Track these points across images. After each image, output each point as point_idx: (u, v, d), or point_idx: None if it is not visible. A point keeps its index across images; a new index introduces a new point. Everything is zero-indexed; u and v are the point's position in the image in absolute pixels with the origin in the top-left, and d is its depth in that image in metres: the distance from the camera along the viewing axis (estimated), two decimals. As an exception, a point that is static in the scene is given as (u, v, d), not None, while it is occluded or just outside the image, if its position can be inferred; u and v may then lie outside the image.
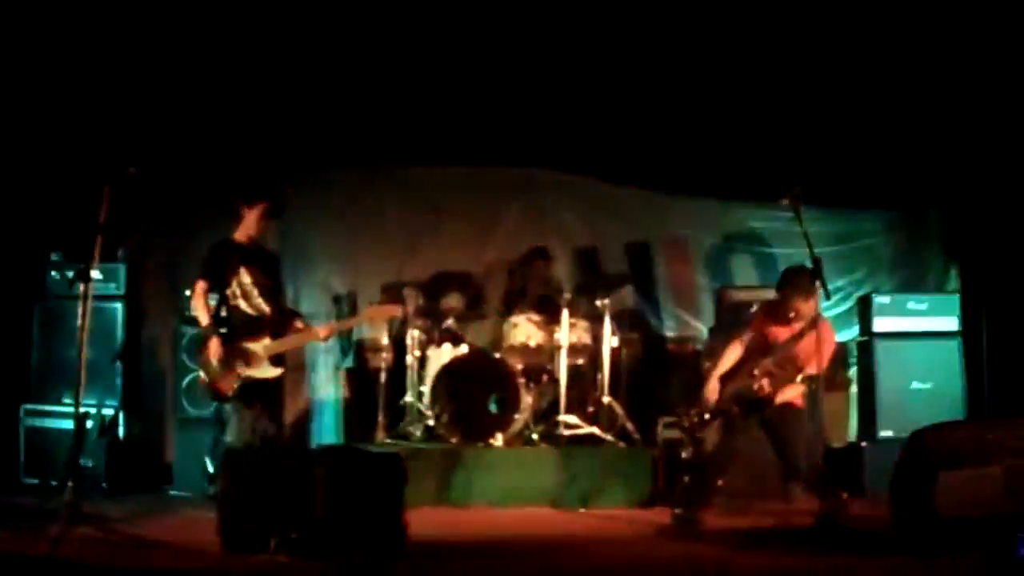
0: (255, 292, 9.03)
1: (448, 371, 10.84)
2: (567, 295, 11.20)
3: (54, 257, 11.28)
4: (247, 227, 9.14)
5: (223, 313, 9.07)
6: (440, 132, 12.10)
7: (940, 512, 7.21)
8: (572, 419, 10.88)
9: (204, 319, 8.93)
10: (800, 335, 8.78)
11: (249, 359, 8.86)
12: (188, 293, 9.73)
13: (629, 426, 11.00)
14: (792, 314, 8.85)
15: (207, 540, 7.62)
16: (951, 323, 11.12)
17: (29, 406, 11.23)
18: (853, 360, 11.51)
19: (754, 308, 10.07)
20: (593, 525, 9.49)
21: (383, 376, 11.23)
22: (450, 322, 11.48)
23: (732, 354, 9.21)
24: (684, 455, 10.01)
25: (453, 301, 12.01)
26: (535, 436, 10.75)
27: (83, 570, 6.92)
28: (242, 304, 9.01)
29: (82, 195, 8.98)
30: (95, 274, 8.41)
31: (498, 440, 10.59)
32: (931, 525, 7.23)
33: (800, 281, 8.75)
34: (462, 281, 12.20)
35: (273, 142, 11.96)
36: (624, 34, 11.40)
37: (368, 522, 7.40)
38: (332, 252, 12.68)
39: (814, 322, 8.65)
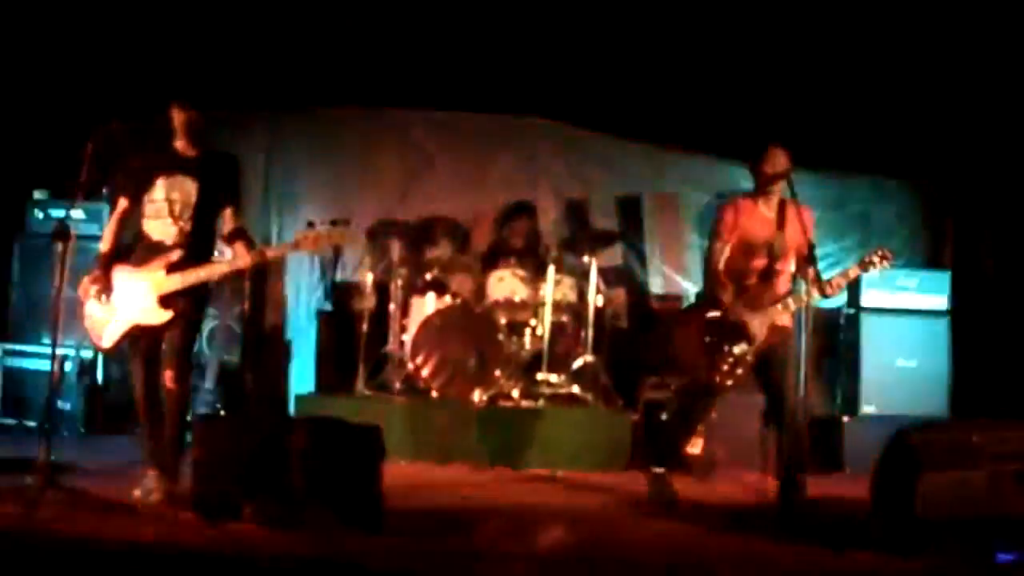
0: (166, 209, 7.80)
1: (431, 322, 10.73)
2: (553, 251, 11.11)
3: (37, 195, 11.13)
4: (180, 134, 7.96)
5: None
6: (435, 76, 11.97)
7: (921, 513, 7.14)
8: (553, 378, 10.81)
9: (102, 245, 7.94)
10: (781, 221, 8.37)
11: (129, 297, 7.77)
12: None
13: (611, 387, 10.93)
14: (766, 195, 8.42)
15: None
16: (940, 301, 11.06)
17: (7, 346, 11.14)
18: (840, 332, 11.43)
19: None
20: (568, 491, 9.41)
21: (364, 323, 11.11)
22: (435, 271, 11.34)
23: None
24: (664, 416, 9.96)
25: (439, 249, 11.81)
26: (515, 393, 10.67)
27: (53, 542, 6.81)
28: (148, 226, 7.87)
29: (69, 131, 8.78)
30: (78, 213, 8.16)
31: (478, 396, 10.50)
32: (911, 525, 7.17)
33: (775, 154, 8.35)
34: (450, 228, 11.99)
35: (264, 77, 11.80)
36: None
37: (345, 494, 7.32)
38: (318, 191, 12.50)
39: (784, 207, 8.39)
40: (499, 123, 12.60)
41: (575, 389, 10.80)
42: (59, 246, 7.62)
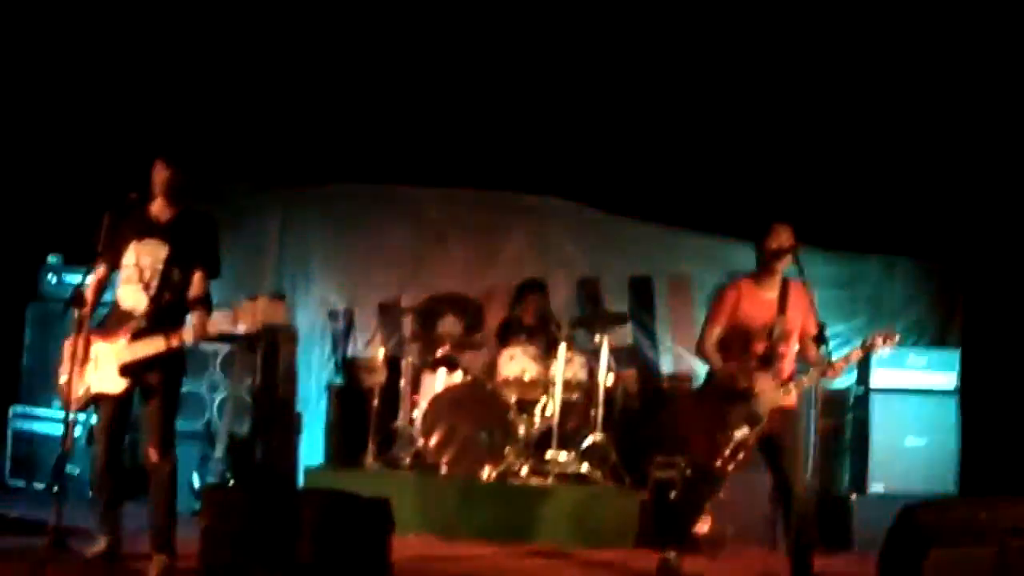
0: (135, 276, 7.71)
1: (441, 399, 10.76)
2: (565, 329, 11.15)
3: (51, 259, 11.22)
4: (156, 194, 7.82)
5: None
6: (448, 154, 12.08)
7: (929, 590, 7.14)
8: (563, 456, 10.78)
9: (83, 309, 7.69)
10: (783, 304, 8.35)
11: (96, 364, 7.65)
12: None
13: (620, 465, 10.92)
14: (770, 273, 8.38)
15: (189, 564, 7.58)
16: (950, 380, 11.04)
17: (18, 408, 11.18)
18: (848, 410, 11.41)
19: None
20: (577, 568, 9.40)
21: (375, 398, 11.12)
22: (446, 348, 11.38)
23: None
24: (673, 496, 9.95)
25: (450, 326, 11.83)
26: (525, 471, 10.64)
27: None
28: (121, 292, 7.80)
29: (82, 196, 8.84)
30: (90, 279, 8.13)
31: (487, 472, 10.50)
32: (919, 602, 7.17)
33: (779, 230, 8.33)
34: (461, 306, 11.99)
35: (278, 153, 11.92)
36: (637, 68, 11.36)
37: (353, 567, 7.33)
38: (332, 267, 12.61)
39: (786, 287, 8.39)
40: (512, 201, 12.68)
41: (584, 467, 10.75)
42: (75, 312, 7.61)
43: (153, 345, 7.57)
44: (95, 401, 7.74)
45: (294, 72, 11.45)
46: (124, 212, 7.71)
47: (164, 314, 7.67)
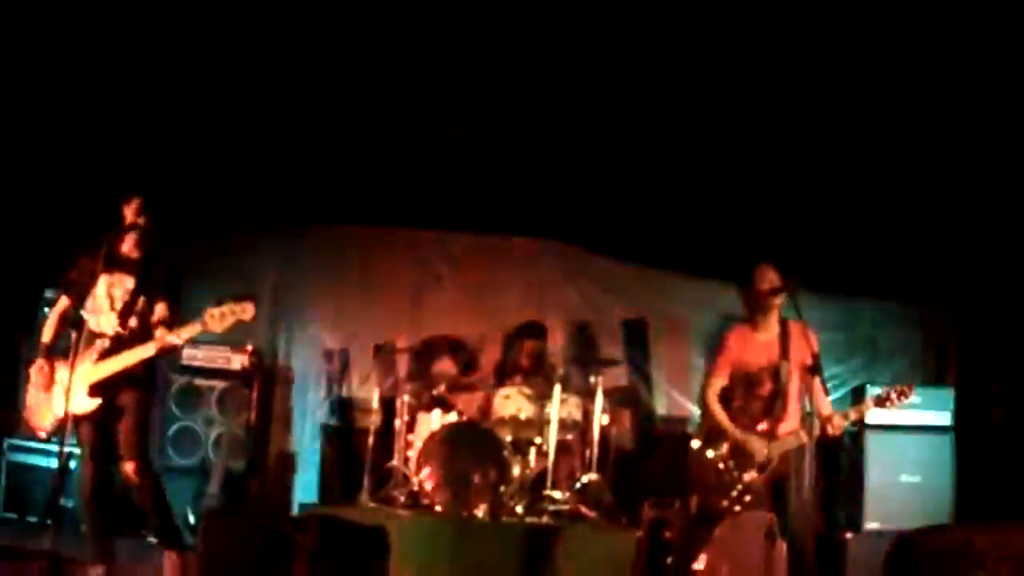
0: (106, 305, 8.10)
1: (437, 438, 10.75)
2: (560, 370, 11.18)
3: (48, 293, 11.23)
4: (127, 232, 8.23)
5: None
6: (445, 197, 12.10)
7: (926, 616, 7.16)
8: (558, 495, 10.81)
9: (44, 337, 8.22)
10: (785, 346, 8.46)
11: (65, 388, 7.73)
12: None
13: (615, 505, 10.91)
14: (764, 314, 8.53)
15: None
16: (944, 418, 11.08)
17: (13, 441, 11.13)
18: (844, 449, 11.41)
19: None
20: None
21: (371, 438, 11.14)
22: (441, 388, 11.41)
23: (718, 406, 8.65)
24: (667, 535, 9.94)
25: (446, 367, 11.89)
26: (520, 509, 10.63)
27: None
28: (90, 320, 8.09)
29: (80, 232, 8.87)
30: (54, 309, 8.30)
31: (482, 511, 10.48)
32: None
33: (765, 271, 8.51)
34: (456, 347, 12.07)
35: (275, 195, 11.95)
36: (633, 113, 11.40)
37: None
38: (327, 308, 12.63)
39: (786, 327, 8.47)
40: (508, 244, 12.76)
41: (579, 507, 10.77)
42: (73, 335, 7.76)
43: (119, 361, 7.94)
44: (64, 425, 7.79)
45: (292, 114, 11.47)
46: (95, 249, 7.98)
47: (130, 336, 8.04)
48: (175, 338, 8.01)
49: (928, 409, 11.06)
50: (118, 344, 8.01)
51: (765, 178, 11.73)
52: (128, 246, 8.26)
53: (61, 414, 7.85)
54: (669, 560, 9.33)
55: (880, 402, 8.39)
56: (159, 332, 8.03)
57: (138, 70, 10.76)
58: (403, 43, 10.37)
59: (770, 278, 8.38)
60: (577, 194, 12.11)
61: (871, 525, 10.80)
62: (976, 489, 10.98)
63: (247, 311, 8.19)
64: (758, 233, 11.67)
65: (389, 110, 11.46)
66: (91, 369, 7.92)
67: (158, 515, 8.17)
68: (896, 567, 7.44)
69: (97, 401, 7.93)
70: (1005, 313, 11.47)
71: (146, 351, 7.96)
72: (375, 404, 11.32)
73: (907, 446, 11.00)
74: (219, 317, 7.99)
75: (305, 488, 11.82)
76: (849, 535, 10.69)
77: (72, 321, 7.98)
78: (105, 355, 7.98)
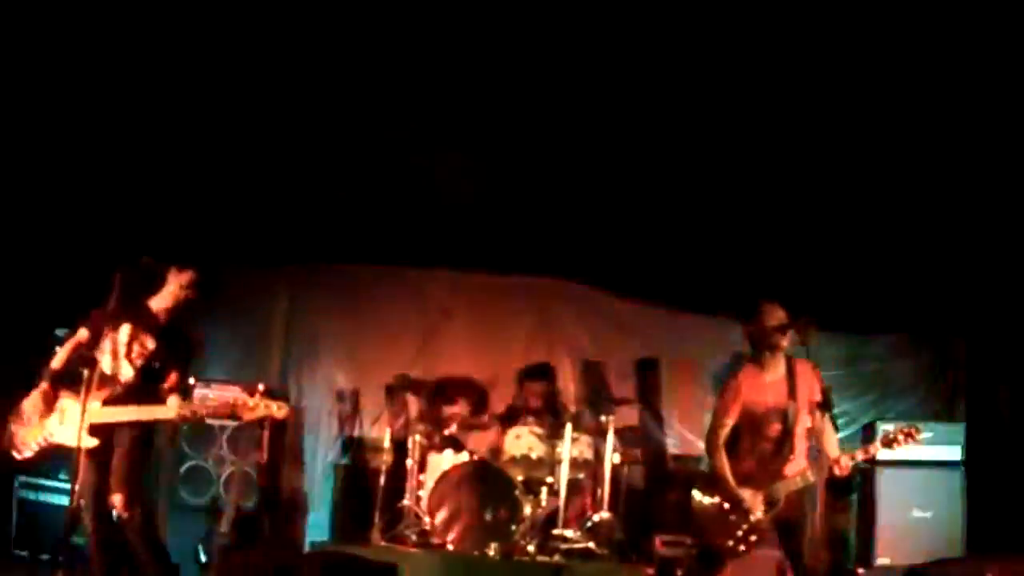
0: (123, 352, 8.30)
1: (448, 477, 10.78)
2: (571, 409, 11.19)
3: (59, 332, 11.26)
4: (164, 295, 8.47)
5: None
6: (455, 236, 12.14)
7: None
8: (569, 533, 10.82)
9: (54, 363, 8.38)
10: (792, 386, 8.44)
11: (62, 416, 8.15)
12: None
13: (626, 543, 10.91)
14: (772, 353, 8.49)
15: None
16: (955, 452, 11.08)
17: (24, 478, 11.11)
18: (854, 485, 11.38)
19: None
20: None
21: (382, 477, 11.16)
22: (452, 428, 11.44)
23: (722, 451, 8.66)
24: (679, 573, 9.94)
25: (457, 407, 11.94)
26: (531, 548, 10.63)
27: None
28: (104, 360, 8.27)
29: (91, 270, 8.94)
30: (71, 337, 8.36)
31: (494, 550, 10.47)
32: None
33: (773, 309, 8.51)
34: (467, 387, 12.11)
35: (287, 235, 12.01)
36: (640, 152, 11.43)
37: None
38: (338, 347, 12.64)
39: (792, 367, 8.46)
40: (518, 283, 12.78)
41: (591, 545, 10.76)
42: (85, 372, 7.81)
43: (125, 413, 8.12)
44: (50, 450, 8.18)
45: (301, 153, 11.53)
46: (132, 283, 8.18)
47: (139, 390, 8.24)
48: (200, 410, 8.37)
49: (939, 444, 11.05)
50: (126, 393, 8.19)
51: (774, 218, 11.75)
52: (158, 304, 8.48)
53: (49, 441, 8.13)
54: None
55: (888, 443, 8.36)
56: (173, 400, 8.26)
57: (154, 109, 10.83)
58: (409, 76, 10.43)
59: (778, 315, 8.38)
60: (587, 233, 12.14)
61: (882, 561, 10.76)
62: (988, 524, 10.94)
63: (281, 410, 8.41)
64: (766, 271, 11.68)
65: (396, 145, 11.52)
66: (97, 410, 8.02)
67: (148, 550, 8.31)
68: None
69: (96, 441, 8.04)
70: (1014, 345, 11.45)
71: (164, 412, 8.20)
72: (387, 443, 11.34)
73: (918, 481, 10.99)
74: (252, 408, 8.25)
75: (318, 527, 11.79)
76: (861, 571, 10.66)
77: (85, 358, 8.03)
78: (115, 400, 8.14)
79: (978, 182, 10.93)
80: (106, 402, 8.11)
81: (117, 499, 8.16)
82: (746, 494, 8.25)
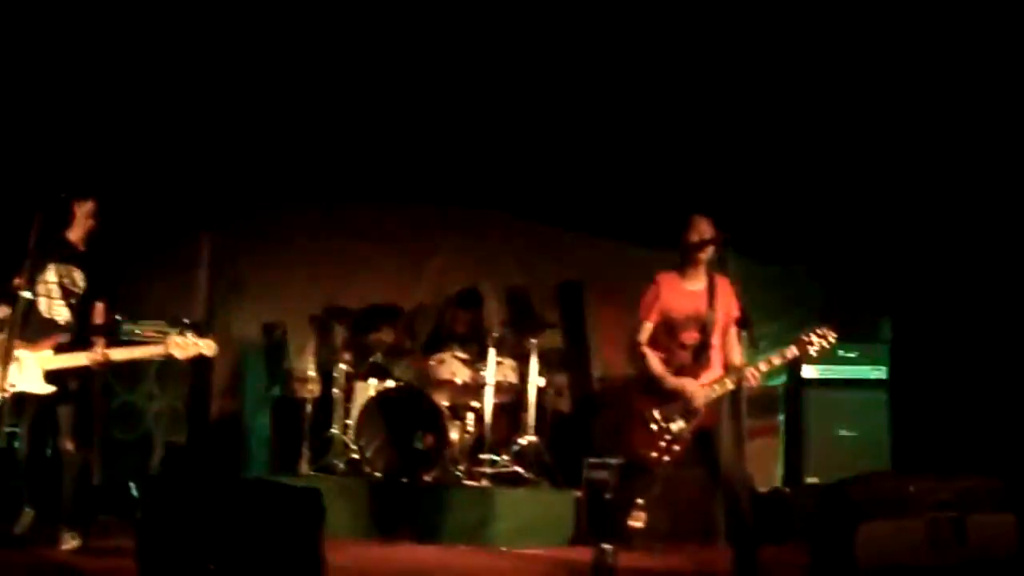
0: (57, 293, 8.60)
1: (374, 405, 10.79)
2: (495, 333, 11.19)
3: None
4: (76, 225, 8.73)
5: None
6: (376, 168, 12.12)
7: (860, 563, 7.19)
8: (496, 458, 10.88)
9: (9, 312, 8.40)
10: (712, 296, 8.28)
11: (20, 366, 8.31)
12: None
13: (554, 467, 10.99)
14: (693, 265, 8.38)
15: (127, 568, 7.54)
16: (880, 372, 11.18)
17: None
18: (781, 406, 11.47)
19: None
20: (514, 566, 9.42)
21: (309, 407, 11.20)
22: (377, 356, 11.44)
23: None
24: (607, 496, 9.96)
25: (382, 335, 11.92)
26: (459, 473, 10.69)
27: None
28: (41, 305, 8.54)
29: (15, 217, 8.87)
30: (26, 295, 8.32)
31: (422, 476, 10.52)
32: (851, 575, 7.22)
33: (699, 222, 8.39)
34: (392, 316, 12.09)
35: (209, 173, 11.93)
36: (568, 78, 11.44)
37: (286, 558, 7.30)
38: (264, 282, 12.60)
39: (712, 280, 8.36)
40: (441, 212, 12.74)
41: (518, 469, 10.84)
42: (12, 311, 8.23)
43: (75, 359, 8.43)
44: (19, 401, 8.35)
45: (225, 90, 11.46)
46: (50, 221, 8.35)
47: (80, 331, 8.59)
48: (134, 353, 8.86)
49: (865, 364, 11.18)
50: (75, 337, 8.52)
51: (705, 146, 11.79)
52: (76, 235, 8.75)
53: (18, 388, 8.32)
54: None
55: (802, 345, 8.29)
56: (99, 346, 8.54)
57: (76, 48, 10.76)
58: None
59: (701, 230, 8.34)
60: (512, 159, 12.14)
61: (812, 480, 10.87)
62: (913, 442, 11.06)
63: (211, 348, 8.75)
64: (698, 201, 11.69)
65: (322, 79, 11.46)
66: (51, 357, 8.39)
67: (74, 491, 8.59)
68: (827, 515, 7.49)
69: (53, 387, 8.40)
70: (941, 273, 11.53)
71: (92, 357, 8.45)
72: (311, 373, 11.38)
73: (845, 400, 11.11)
74: (182, 346, 8.57)
75: (252, 463, 11.92)
76: (790, 490, 10.76)
77: (9, 294, 8.32)
78: (63, 348, 8.44)
79: (902, 115, 11.03)
80: (58, 349, 8.41)
81: (70, 444, 8.52)
82: (688, 384, 8.16)
